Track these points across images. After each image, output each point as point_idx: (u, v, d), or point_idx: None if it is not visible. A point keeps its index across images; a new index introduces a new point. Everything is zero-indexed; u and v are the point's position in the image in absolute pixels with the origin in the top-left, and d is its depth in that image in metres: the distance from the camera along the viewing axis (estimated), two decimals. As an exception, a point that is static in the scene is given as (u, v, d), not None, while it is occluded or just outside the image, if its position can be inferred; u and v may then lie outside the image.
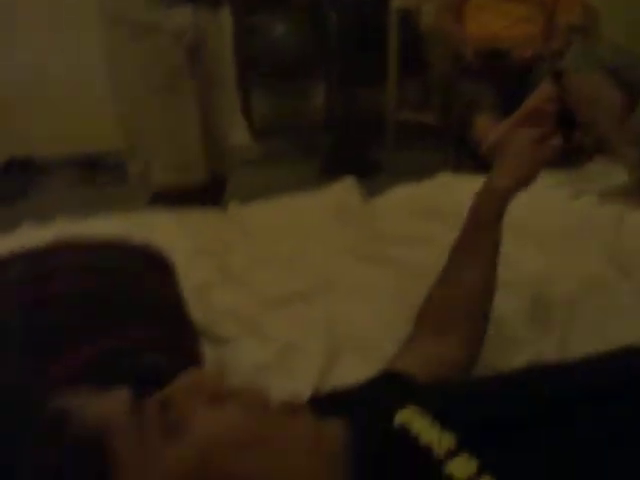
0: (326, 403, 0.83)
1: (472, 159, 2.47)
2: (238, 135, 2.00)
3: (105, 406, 0.50)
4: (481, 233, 1.02)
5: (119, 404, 0.50)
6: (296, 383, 1.01)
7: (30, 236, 1.44)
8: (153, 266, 1.19)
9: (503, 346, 1.07)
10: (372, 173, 2.87)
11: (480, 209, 1.02)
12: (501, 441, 0.64)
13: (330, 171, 2.00)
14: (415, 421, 0.68)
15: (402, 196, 1.66)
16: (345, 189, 1.63)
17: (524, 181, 1.02)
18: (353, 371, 1.03)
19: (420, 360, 0.91)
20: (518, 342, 1.09)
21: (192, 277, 1.27)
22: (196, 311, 1.19)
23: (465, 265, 1.02)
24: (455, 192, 1.60)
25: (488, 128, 2.48)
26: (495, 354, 1.05)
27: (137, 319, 1.02)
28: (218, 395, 0.54)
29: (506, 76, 2.64)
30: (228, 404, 0.55)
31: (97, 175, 3.22)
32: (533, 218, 1.47)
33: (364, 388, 0.86)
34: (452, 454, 0.63)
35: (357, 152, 3.16)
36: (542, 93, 1.02)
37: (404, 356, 0.95)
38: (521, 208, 1.49)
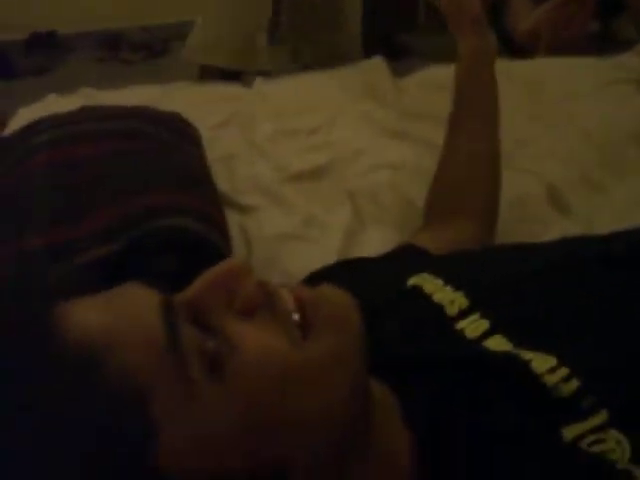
0: (339, 273, 0.82)
1: (504, 44, 2.39)
2: None
3: (136, 337, 0.45)
4: (478, 92, 1.01)
5: (151, 333, 0.45)
6: (319, 253, 1.02)
7: (57, 105, 1.43)
8: (180, 135, 1.19)
9: (527, 228, 1.07)
10: (401, 56, 2.79)
11: (472, 71, 1.00)
12: (514, 301, 0.64)
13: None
14: (427, 283, 0.68)
15: (432, 76, 1.62)
16: (373, 67, 1.59)
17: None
18: (375, 243, 1.04)
19: (434, 243, 0.90)
20: (542, 222, 1.09)
21: (217, 148, 1.27)
22: (221, 181, 1.19)
23: (464, 130, 1.01)
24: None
25: (524, 13, 2.38)
26: (520, 237, 1.04)
27: (161, 185, 1.02)
28: (249, 306, 0.49)
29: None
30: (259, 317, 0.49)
31: (120, 52, 3.16)
32: (566, 101, 1.43)
33: (379, 260, 0.86)
34: (464, 313, 0.63)
35: (386, 34, 3.06)
36: None
37: (418, 236, 0.95)
38: (554, 90, 1.47)
